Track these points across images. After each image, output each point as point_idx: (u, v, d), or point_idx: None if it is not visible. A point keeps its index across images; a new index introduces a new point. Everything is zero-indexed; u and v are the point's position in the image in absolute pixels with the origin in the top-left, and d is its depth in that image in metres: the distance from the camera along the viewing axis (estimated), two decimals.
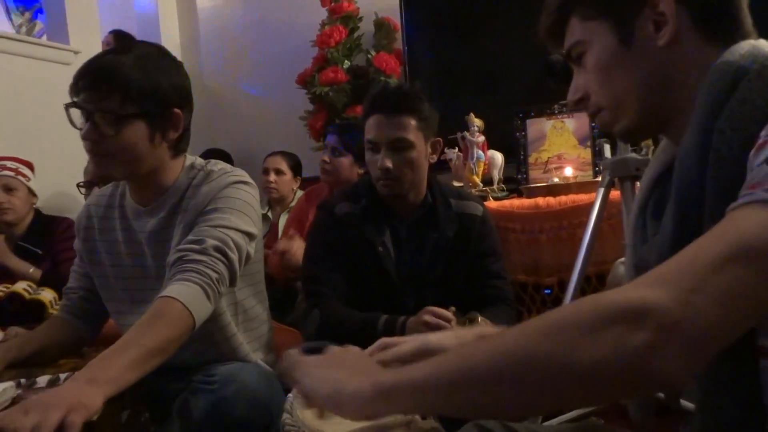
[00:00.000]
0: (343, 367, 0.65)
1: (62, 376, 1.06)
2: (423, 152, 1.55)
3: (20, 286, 1.94)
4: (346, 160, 2.42)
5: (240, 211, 1.20)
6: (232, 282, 1.16)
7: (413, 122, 1.51)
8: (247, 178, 1.28)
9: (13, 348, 1.21)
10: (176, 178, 1.26)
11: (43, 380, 1.04)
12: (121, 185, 1.34)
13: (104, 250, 1.32)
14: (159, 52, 1.23)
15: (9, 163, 2.43)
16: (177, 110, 1.21)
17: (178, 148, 1.26)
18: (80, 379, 0.89)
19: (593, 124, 2.24)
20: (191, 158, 1.31)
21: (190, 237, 1.15)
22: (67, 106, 1.18)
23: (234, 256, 1.14)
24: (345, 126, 2.74)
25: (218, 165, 1.29)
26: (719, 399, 0.59)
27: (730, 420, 0.58)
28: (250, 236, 1.21)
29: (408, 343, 0.83)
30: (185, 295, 1.05)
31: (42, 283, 2.21)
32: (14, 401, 0.94)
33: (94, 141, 1.15)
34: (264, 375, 1.20)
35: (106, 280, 1.32)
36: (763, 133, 0.54)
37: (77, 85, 1.16)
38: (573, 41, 0.75)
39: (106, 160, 1.18)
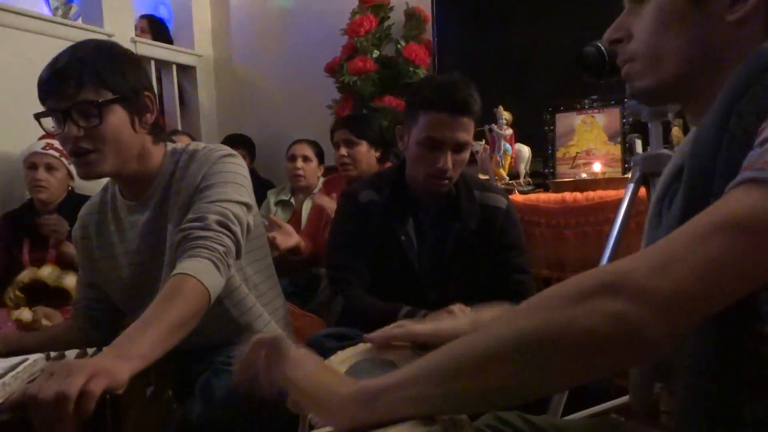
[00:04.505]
0: (331, 374, 0.66)
1: (90, 351, 1.08)
2: None
3: (45, 272, 2.00)
4: (362, 148, 2.43)
5: (234, 183, 1.21)
6: (238, 254, 1.18)
7: (472, 122, 1.50)
8: (233, 152, 1.28)
9: (13, 341, 1.25)
10: (160, 165, 1.27)
11: (71, 354, 1.06)
12: (110, 189, 1.36)
13: (104, 255, 1.34)
14: (109, 42, 1.25)
15: (57, 143, 2.47)
16: (147, 93, 1.22)
17: (157, 132, 1.26)
18: (108, 354, 0.91)
19: (624, 120, 2.20)
20: (171, 145, 1.32)
21: (190, 216, 1.16)
22: (38, 116, 1.16)
23: (237, 229, 1.16)
24: (350, 118, 2.72)
25: (200, 145, 1.29)
26: (698, 377, 0.59)
27: (705, 396, 0.57)
28: (248, 207, 1.22)
29: (423, 326, 0.84)
30: (198, 270, 1.06)
31: None
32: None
33: (78, 138, 1.14)
34: None
35: (109, 285, 1.35)
36: (765, 123, 0.53)
37: (44, 91, 1.14)
38: None
39: (94, 156, 1.16)
